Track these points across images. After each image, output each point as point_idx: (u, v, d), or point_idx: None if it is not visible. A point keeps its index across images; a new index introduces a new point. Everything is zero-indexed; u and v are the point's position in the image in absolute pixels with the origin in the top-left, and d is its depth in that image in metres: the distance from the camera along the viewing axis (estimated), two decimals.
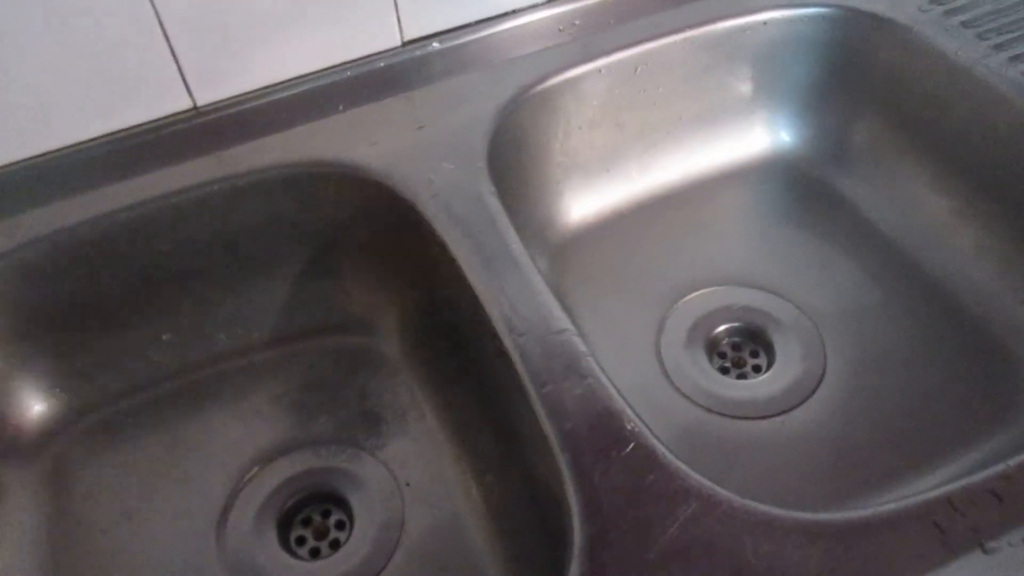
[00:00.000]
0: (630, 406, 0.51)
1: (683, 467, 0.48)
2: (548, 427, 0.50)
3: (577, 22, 0.74)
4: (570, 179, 0.77)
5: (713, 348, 0.72)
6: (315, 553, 0.63)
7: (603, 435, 0.49)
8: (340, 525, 0.64)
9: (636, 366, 0.70)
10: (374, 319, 0.72)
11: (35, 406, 0.66)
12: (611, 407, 0.50)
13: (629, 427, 0.49)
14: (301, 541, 0.64)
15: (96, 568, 0.62)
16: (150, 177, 0.65)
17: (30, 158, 0.65)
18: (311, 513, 0.65)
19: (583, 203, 0.78)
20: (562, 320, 0.54)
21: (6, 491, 0.64)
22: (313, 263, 0.71)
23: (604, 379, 0.51)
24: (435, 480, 0.64)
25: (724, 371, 0.71)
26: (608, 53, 0.72)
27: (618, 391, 0.51)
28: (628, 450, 0.48)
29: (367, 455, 0.66)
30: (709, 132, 0.80)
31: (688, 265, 0.76)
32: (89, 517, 0.64)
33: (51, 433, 0.66)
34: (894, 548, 0.44)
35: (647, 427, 0.50)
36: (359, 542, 0.62)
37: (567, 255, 0.76)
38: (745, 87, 0.79)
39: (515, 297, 0.56)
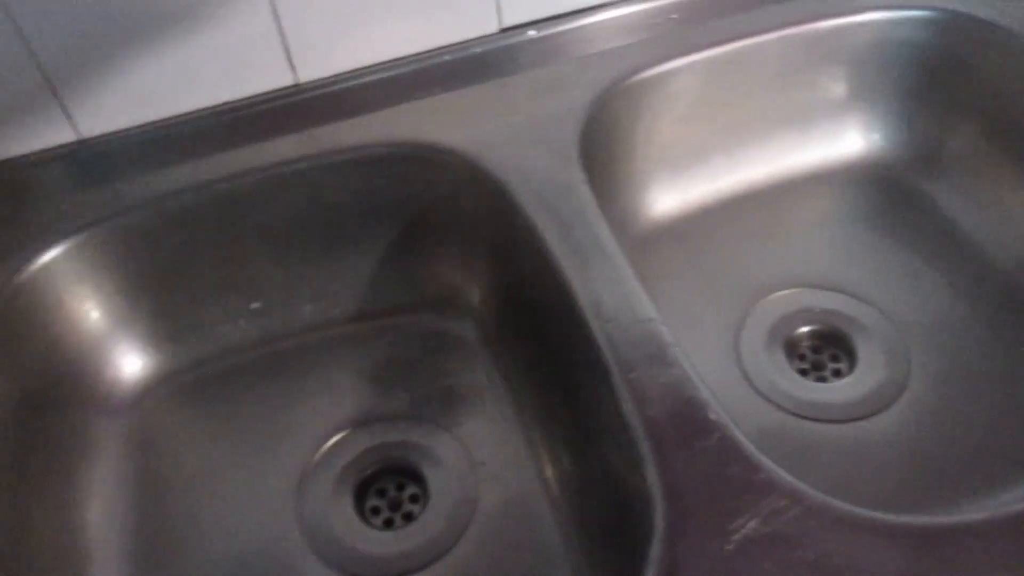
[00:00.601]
0: (715, 396, 0.51)
1: (766, 461, 0.48)
2: (631, 413, 0.50)
3: (675, 16, 0.74)
4: (657, 172, 0.77)
5: (793, 350, 0.71)
6: (389, 523, 0.64)
7: (687, 424, 0.49)
8: (414, 498, 0.66)
9: (714, 363, 0.70)
10: (456, 299, 0.73)
11: (129, 364, 0.69)
12: (696, 396, 0.50)
13: (713, 417, 0.49)
14: (375, 511, 0.65)
15: (177, 525, 0.64)
16: (250, 149, 0.68)
17: (140, 125, 0.67)
18: (386, 485, 0.67)
19: (668, 197, 0.78)
20: (649, 309, 0.55)
21: (97, 445, 0.66)
22: (400, 242, 0.72)
23: (689, 369, 0.52)
24: (510, 461, 0.65)
25: (803, 373, 0.70)
26: (703, 48, 0.72)
27: (703, 381, 0.51)
28: (712, 440, 0.48)
29: (443, 432, 0.68)
30: (800, 132, 0.79)
31: (771, 265, 0.75)
32: (173, 475, 0.67)
33: (142, 391, 0.69)
34: (978, 557, 0.44)
35: (730, 419, 0.50)
36: (432, 516, 0.64)
37: (649, 248, 0.76)
38: (840, 88, 0.78)
39: (602, 284, 0.56)
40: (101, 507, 0.65)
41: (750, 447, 0.48)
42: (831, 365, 0.70)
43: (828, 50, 0.75)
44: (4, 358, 0.60)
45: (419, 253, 0.72)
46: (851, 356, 0.70)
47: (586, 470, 0.60)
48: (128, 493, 0.66)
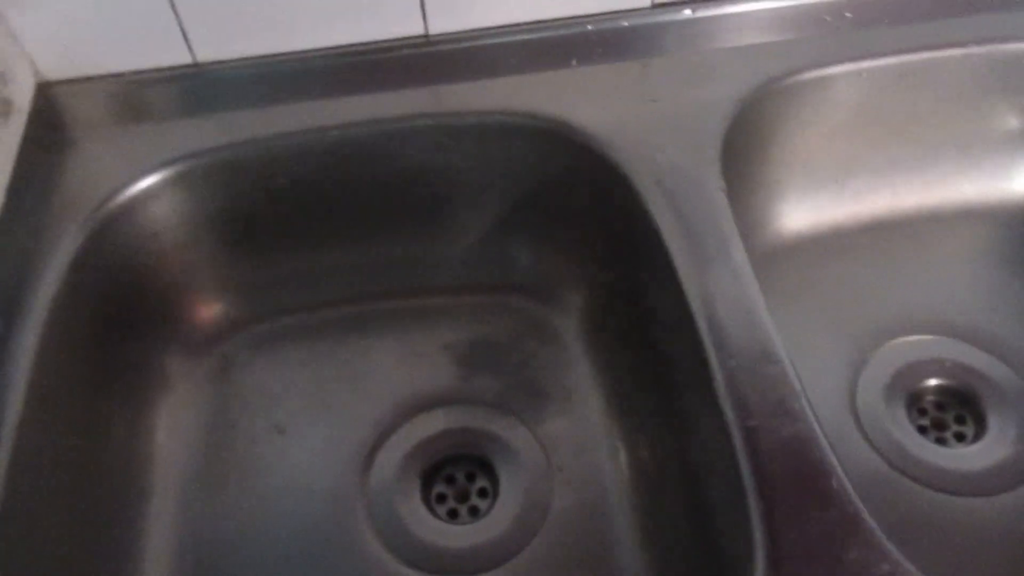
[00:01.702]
0: (840, 462, 0.45)
1: (891, 548, 0.42)
2: (744, 465, 0.45)
3: (848, 14, 0.66)
4: (795, 183, 0.70)
5: (914, 402, 0.65)
6: (453, 514, 0.61)
7: (806, 489, 0.44)
8: (483, 493, 0.62)
9: (826, 403, 0.64)
10: (558, 289, 0.68)
11: (211, 305, 0.67)
12: (820, 459, 0.45)
13: (836, 486, 0.44)
14: (441, 498, 0.62)
15: (243, 476, 0.62)
16: (368, 98, 0.63)
17: (258, 57, 0.63)
18: (456, 472, 0.63)
19: (803, 211, 0.71)
20: (779, 349, 0.49)
21: (174, 381, 0.65)
22: (508, 217, 0.67)
23: (816, 426, 0.46)
24: (590, 472, 0.61)
25: (922, 430, 0.64)
26: (874, 55, 0.65)
27: (829, 442, 0.46)
28: (831, 512, 0.43)
29: (524, 428, 0.64)
30: (963, 161, 0.71)
31: (905, 304, 0.68)
32: (244, 424, 0.64)
33: (221, 335, 0.67)
34: None
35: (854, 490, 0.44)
36: (500, 516, 0.60)
37: (773, 264, 0.70)
38: (1016, 121, 0.70)
39: (730, 312, 0.51)
40: (170, 442, 0.63)
41: (875, 528, 0.43)
42: (955, 427, 0.64)
43: (1014, 75, 0.67)
44: (90, 278, 0.58)
45: (527, 233, 0.68)
46: (979, 421, 0.63)
47: (677, 506, 0.55)
48: (198, 434, 0.64)
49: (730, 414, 0.47)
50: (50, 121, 0.63)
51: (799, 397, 0.47)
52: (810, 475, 0.44)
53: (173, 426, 0.64)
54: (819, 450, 0.45)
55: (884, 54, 0.65)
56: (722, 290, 0.52)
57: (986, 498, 0.60)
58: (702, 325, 0.51)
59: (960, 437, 0.63)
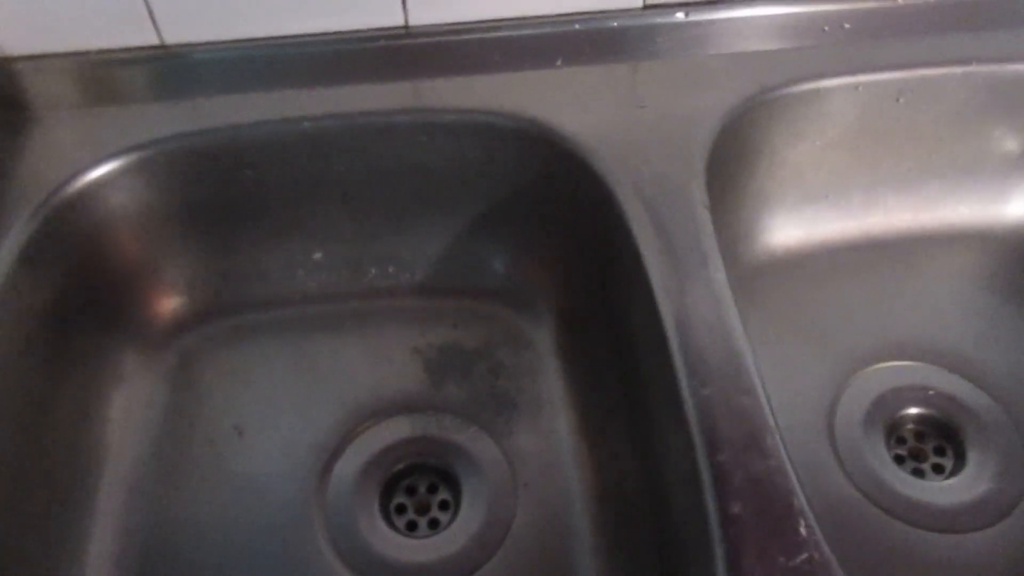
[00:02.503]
0: (810, 504, 0.43)
1: None
2: (710, 502, 0.43)
3: (847, 25, 0.63)
4: (785, 197, 0.68)
5: (893, 431, 0.63)
6: (412, 527, 0.59)
7: (774, 534, 0.42)
8: (444, 505, 0.60)
9: (802, 427, 0.62)
10: (533, 297, 0.66)
11: (171, 298, 0.64)
12: (789, 502, 0.43)
13: (804, 533, 0.42)
14: (401, 509, 0.60)
15: (197, 478, 0.60)
16: (343, 90, 0.61)
17: (228, 42, 0.60)
18: (418, 482, 0.61)
19: (790, 227, 0.69)
20: (754, 379, 0.47)
21: (129, 378, 0.62)
22: (484, 220, 0.65)
23: (788, 465, 0.44)
24: (557, 491, 0.59)
25: (899, 460, 0.62)
26: (873, 69, 0.62)
27: (800, 484, 0.44)
28: (798, 560, 0.41)
29: (490, 440, 0.61)
30: (958, 183, 0.69)
31: (891, 328, 0.66)
32: (202, 422, 0.62)
33: (181, 330, 0.64)
34: None
35: (824, 536, 0.42)
36: (460, 531, 0.58)
37: (755, 278, 0.68)
38: (1014, 144, 0.67)
39: (706, 337, 0.49)
40: (122, 439, 0.61)
41: None
42: (934, 459, 0.62)
43: (1014, 97, 0.65)
44: (44, 267, 0.56)
45: (503, 238, 0.65)
46: (959, 454, 0.62)
47: (642, 532, 0.53)
48: (152, 432, 0.62)
49: (699, 445, 0.45)
50: (8, 98, 0.60)
51: (772, 433, 0.45)
52: (779, 518, 0.42)
53: (126, 423, 0.61)
54: (790, 492, 0.43)
55: (882, 68, 0.63)
56: (699, 313, 0.50)
57: (959, 535, 0.58)
58: (676, 349, 0.48)
59: (938, 469, 0.62)
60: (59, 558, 0.55)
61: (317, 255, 0.66)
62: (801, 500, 0.43)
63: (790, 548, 0.41)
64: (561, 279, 0.65)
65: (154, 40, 0.60)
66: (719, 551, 0.41)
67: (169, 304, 0.64)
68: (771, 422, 0.45)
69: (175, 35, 0.60)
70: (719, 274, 0.51)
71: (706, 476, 0.44)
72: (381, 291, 0.67)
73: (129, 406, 0.62)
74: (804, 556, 0.41)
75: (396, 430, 0.62)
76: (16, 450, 0.53)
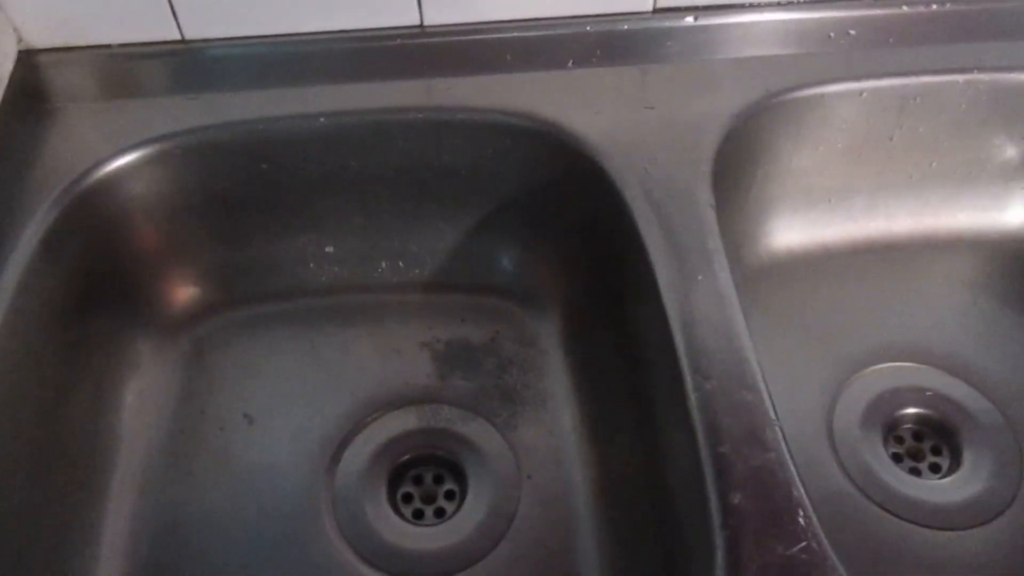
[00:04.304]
0: (809, 496, 0.45)
1: None
2: (712, 493, 0.44)
3: (852, 32, 0.65)
4: (788, 201, 0.69)
5: (891, 430, 0.64)
6: (418, 515, 0.60)
7: (772, 523, 0.43)
8: (450, 495, 0.61)
9: (801, 424, 0.63)
10: (540, 294, 0.67)
11: (186, 288, 0.66)
12: (789, 493, 0.44)
13: (802, 522, 0.43)
14: (407, 498, 0.61)
15: (208, 463, 0.61)
16: (359, 87, 0.62)
17: (248, 37, 0.62)
18: (424, 473, 0.62)
19: (792, 230, 0.70)
20: (757, 375, 0.48)
21: (144, 364, 0.63)
22: (493, 218, 0.66)
23: (787, 457, 0.45)
24: (560, 483, 0.60)
25: (897, 459, 0.63)
26: (877, 76, 0.63)
27: (799, 475, 0.45)
28: (796, 549, 0.42)
29: (495, 433, 0.63)
30: (959, 190, 0.70)
31: (891, 330, 0.68)
32: (213, 410, 0.63)
33: (195, 319, 0.66)
34: None
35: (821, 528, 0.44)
36: (465, 520, 0.59)
37: (758, 280, 0.69)
38: (1015, 151, 0.69)
39: (710, 333, 0.50)
40: (136, 423, 0.62)
41: (839, 567, 0.42)
42: (930, 458, 0.63)
43: (1016, 106, 0.66)
44: (63, 255, 0.57)
45: (513, 235, 0.66)
46: (955, 454, 0.63)
47: (645, 524, 0.54)
48: (165, 417, 0.63)
49: (701, 438, 0.46)
50: (31, 90, 0.61)
51: (773, 426, 0.46)
52: (778, 508, 0.44)
53: (140, 407, 0.63)
54: (789, 483, 0.44)
55: (886, 75, 0.64)
56: (704, 311, 0.51)
57: (954, 532, 0.59)
58: (680, 344, 0.50)
59: (935, 468, 0.63)
60: (74, 538, 0.56)
61: (329, 249, 0.67)
62: (800, 491, 0.44)
63: (788, 537, 0.43)
64: (568, 276, 0.66)
65: (175, 35, 0.61)
66: (719, 540, 0.43)
67: (184, 293, 0.66)
68: (772, 416, 0.47)
69: (195, 30, 0.61)
70: (724, 273, 0.53)
71: (708, 467, 0.45)
72: (391, 285, 0.68)
73: (143, 392, 0.63)
74: (802, 545, 0.43)
75: (403, 421, 0.64)
76: (36, 432, 0.54)
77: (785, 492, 0.44)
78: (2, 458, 0.50)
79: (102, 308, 0.61)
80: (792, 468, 0.45)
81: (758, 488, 0.44)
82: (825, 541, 0.43)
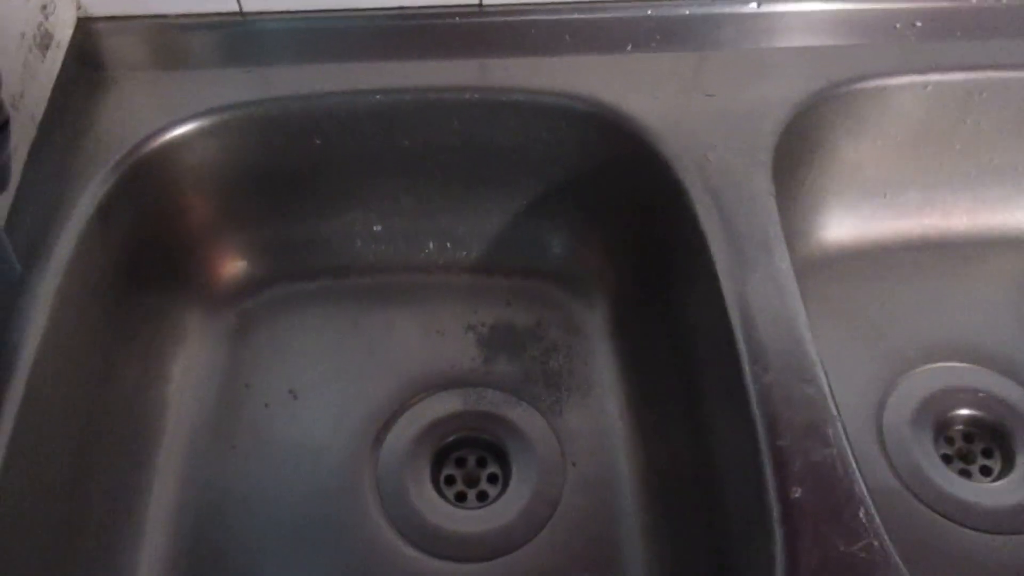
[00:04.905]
0: (870, 494, 0.44)
1: None
2: (770, 488, 0.44)
3: (918, 23, 0.63)
4: (843, 193, 0.68)
5: (942, 430, 0.63)
6: (461, 498, 0.60)
7: (833, 520, 0.42)
8: (492, 479, 0.61)
9: (850, 421, 0.62)
10: (589, 279, 0.67)
11: (235, 262, 0.66)
12: (850, 489, 0.43)
13: (864, 520, 0.43)
14: (450, 480, 0.61)
15: (252, 438, 0.61)
16: (414, 65, 0.61)
17: (306, 12, 0.61)
18: (468, 456, 0.62)
19: (846, 223, 0.69)
20: (818, 368, 0.47)
21: (191, 337, 0.63)
22: (544, 201, 0.66)
23: (849, 453, 0.45)
24: (606, 470, 0.60)
25: (947, 460, 0.62)
26: (943, 69, 0.62)
27: (861, 472, 0.44)
28: (857, 546, 0.42)
29: (540, 418, 0.62)
30: (1016, 188, 0.69)
31: (944, 329, 0.66)
32: (258, 385, 0.63)
33: (242, 293, 0.66)
34: None
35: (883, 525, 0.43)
36: (508, 505, 0.59)
37: (810, 272, 0.68)
38: None
39: (770, 324, 0.49)
40: (182, 396, 0.62)
41: (900, 565, 0.41)
42: (981, 460, 0.62)
43: None
44: (116, 224, 0.57)
45: (563, 220, 0.66)
46: (1007, 458, 0.62)
47: (692, 516, 0.54)
48: (210, 391, 0.63)
49: (761, 430, 0.45)
50: (89, 58, 0.61)
51: (835, 422, 0.45)
52: (838, 505, 0.43)
53: (186, 380, 0.63)
54: (850, 479, 0.44)
55: (952, 69, 0.62)
56: (764, 300, 0.50)
57: (1004, 536, 0.58)
58: (739, 335, 0.49)
59: (986, 471, 0.62)
60: (119, 509, 0.56)
61: (377, 227, 0.67)
62: (862, 488, 0.44)
63: (849, 534, 0.42)
64: (617, 262, 0.65)
65: (233, 7, 0.61)
66: (778, 534, 0.42)
67: (232, 267, 0.65)
68: (833, 411, 0.46)
69: (254, 3, 0.61)
70: (784, 263, 0.52)
71: (767, 460, 0.44)
72: (437, 266, 0.68)
73: (189, 365, 0.63)
74: (863, 543, 0.42)
75: (448, 403, 0.63)
76: (85, 403, 0.54)
77: (846, 488, 0.43)
78: (55, 427, 0.50)
79: (151, 279, 0.61)
80: (854, 465, 0.44)
81: (818, 483, 0.43)
82: (887, 540, 0.42)
